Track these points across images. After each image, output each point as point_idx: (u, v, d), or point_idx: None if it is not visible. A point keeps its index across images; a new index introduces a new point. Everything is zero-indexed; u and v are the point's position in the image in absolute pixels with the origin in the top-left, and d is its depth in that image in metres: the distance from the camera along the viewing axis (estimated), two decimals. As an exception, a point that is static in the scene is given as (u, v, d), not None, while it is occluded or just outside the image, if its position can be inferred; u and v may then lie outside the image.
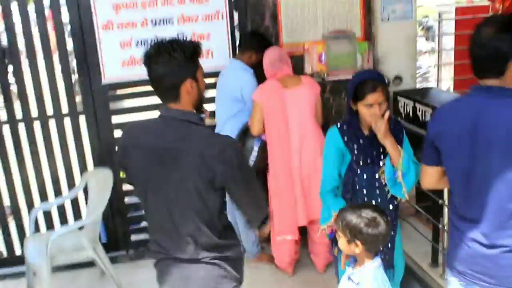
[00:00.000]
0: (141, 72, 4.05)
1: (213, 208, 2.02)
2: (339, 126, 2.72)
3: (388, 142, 2.55)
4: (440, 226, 3.45)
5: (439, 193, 3.37)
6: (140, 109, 4.36)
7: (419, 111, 3.67)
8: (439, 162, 2.12)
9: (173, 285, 2.11)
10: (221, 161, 1.92)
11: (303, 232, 3.94)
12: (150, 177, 2.03)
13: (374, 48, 4.20)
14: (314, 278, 3.92)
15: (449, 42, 5.46)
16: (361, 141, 2.66)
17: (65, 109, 4.25)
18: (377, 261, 2.19)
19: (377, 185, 2.69)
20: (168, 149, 1.97)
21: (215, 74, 4.11)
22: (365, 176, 2.69)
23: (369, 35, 4.22)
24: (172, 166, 1.96)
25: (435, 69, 5.87)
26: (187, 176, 1.94)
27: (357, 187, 2.70)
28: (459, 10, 5.12)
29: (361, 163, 2.67)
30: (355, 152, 2.67)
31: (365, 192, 2.70)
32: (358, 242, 2.13)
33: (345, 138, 2.68)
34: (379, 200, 2.70)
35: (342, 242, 2.20)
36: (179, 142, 1.97)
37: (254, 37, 3.98)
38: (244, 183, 2.05)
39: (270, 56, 3.76)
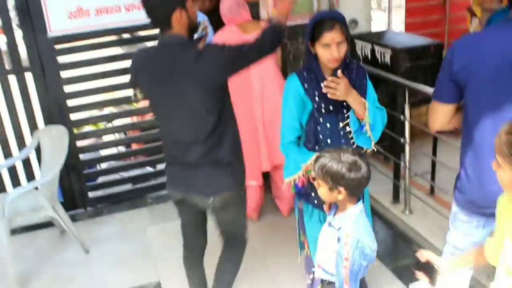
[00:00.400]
0: (90, 24, 4.02)
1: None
2: (298, 72, 2.52)
3: (350, 98, 2.38)
4: (402, 164, 3.55)
5: (401, 132, 3.45)
6: (90, 62, 4.18)
7: (378, 53, 3.71)
8: (458, 99, 2.08)
9: None
10: (212, 66, 2.26)
11: (266, 177, 3.96)
12: (156, 96, 2.40)
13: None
14: (279, 223, 3.97)
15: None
16: (322, 87, 2.42)
17: (8, 65, 4.02)
18: (360, 205, 2.11)
19: (341, 134, 2.51)
20: (165, 70, 2.29)
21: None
22: (328, 125, 2.49)
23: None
24: (172, 84, 2.30)
25: (384, 12, 5.92)
26: (186, 92, 2.28)
27: (321, 137, 2.50)
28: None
29: (323, 111, 2.47)
30: (316, 99, 2.46)
31: (329, 142, 2.50)
32: (341, 189, 2.02)
33: (305, 85, 2.47)
34: None
35: (323, 190, 2.08)
36: (174, 63, 2.27)
37: None
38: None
39: (226, 2, 3.67)
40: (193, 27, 2.38)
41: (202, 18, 3.74)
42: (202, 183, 2.48)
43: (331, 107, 2.47)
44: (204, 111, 2.32)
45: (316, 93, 2.46)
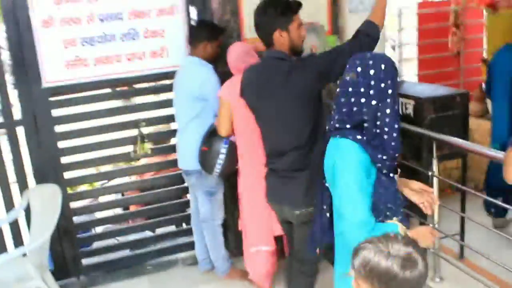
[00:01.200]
0: (89, 74, 3.76)
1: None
2: (358, 138, 2.00)
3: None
4: (430, 225, 3.20)
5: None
6: (87, 116, 3.87)
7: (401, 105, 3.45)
8: None
9: None
10: (303, 77, 2.51)
11: (280, 242, 3.58)
12: (258, 108, 2.77)
13: (341, 41, 3.93)
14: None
15: (411, 36, 5.33)
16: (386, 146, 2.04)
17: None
18: None
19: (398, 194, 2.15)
20: (264, 83, 2.66)
21: (172, 75, 3.72)
22: (393, 188, 2.10)
23: (337, 28, 3.96)
24: (269, 96, 2.62)
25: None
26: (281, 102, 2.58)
27: (388, 205, 2.07)
28: (421, 4, 5.00)
29: (391, 174, 2.06)
30: (385, 161, 2.04)
31: (393, 207, 2.08)
32: None
33: (369, 151, 2.01)
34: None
35: None
36: (270, 75, 2.63)
37: (203, 26, 3.60)
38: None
39: (235, 49, 3.42)
40: (295, 48, 2.68)
41: (207, 66, 3.50)
42: (292, 193, 2.69)
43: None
44: (298, 121, 2.58)
45: (381, 155, 2.03)
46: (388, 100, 1.95)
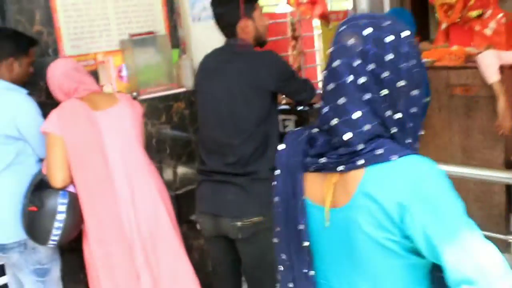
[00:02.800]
0: None
1: None
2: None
3: None
4: None
5: None
6: None
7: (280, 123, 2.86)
8: None
9: None
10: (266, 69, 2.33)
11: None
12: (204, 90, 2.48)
13: (186, 56, 3.23)
14: None
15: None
16: None
17: None
18: None
19: None
20: (220, 66, 2.41)
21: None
22: None
23: (177, 40, 3.24)
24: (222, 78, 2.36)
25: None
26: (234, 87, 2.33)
27: None
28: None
29: None
30: None
31: None
32: None
33: None
34: None
35: None
36: (230, 59, 2.39)
37: (4, 37, 2.54)
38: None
39: (59, 67, 2.49)
40: (261, 37, 2.46)
41: (19, 91, 2.49)
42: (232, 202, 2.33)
43: None
44: (252, 113, 2.31)
45: None
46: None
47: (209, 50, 3.29)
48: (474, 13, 4.03)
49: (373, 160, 1.09)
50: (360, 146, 1.10)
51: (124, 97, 2.60)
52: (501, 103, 3.28)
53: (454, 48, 3.99)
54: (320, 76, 4.72)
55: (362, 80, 1.11)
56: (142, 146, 2.55)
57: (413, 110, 1.14)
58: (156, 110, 2.97)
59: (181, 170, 3.11)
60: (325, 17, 4.30)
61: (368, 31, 1.12)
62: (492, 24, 3.97)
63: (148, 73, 3.02)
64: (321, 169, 1.17)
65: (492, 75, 3.31)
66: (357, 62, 1.11)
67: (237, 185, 2.33)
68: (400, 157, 1.08)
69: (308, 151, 1.20)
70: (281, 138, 1.33)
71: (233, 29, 2.38)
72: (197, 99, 2.59)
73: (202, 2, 3.26)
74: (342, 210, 1.14)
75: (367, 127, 1.10)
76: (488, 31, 3.99)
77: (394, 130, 1.13)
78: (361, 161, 1.10)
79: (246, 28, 2.37)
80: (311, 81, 2.64)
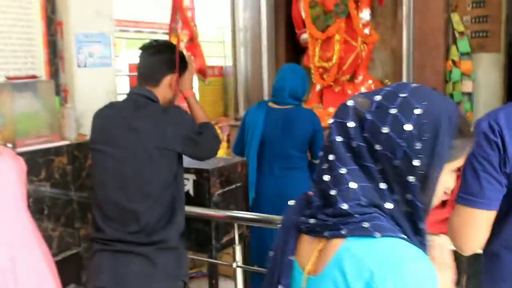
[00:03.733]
0: None
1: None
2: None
3: None
4: None
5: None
6: None
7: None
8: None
9: None
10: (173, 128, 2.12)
11: None
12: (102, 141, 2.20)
13: (70, 105, 2.91)
14: None
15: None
16: None
17: None
18: None
19: None
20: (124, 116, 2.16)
21: None
22: None
23: (58, 87, 2.91)
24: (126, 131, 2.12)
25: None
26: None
27: None
28: (132, 67, 4.30)
29: None
30: None
31: None
32: None
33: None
34: None
35: None
36: (135, 110, 2.15)
37: None
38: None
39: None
40: (172, 99, 2.29)
41: None
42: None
43: None
44: (156, 177, 2.10)
45: None
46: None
47: (94, 99, 3.04)
48: (346, 77, 4.28)
49: (356, 232, 0.98)
50: (348, 211, 0.99)
51: (6, 149, 2.22)
52: None
53: (330, 109, 4.17)
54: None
55: (354, 143, 1.02)
56: (26, 207, 2.19)
57: (409, 197, 1.01)
58: (35, 165, 2.58)
59: (60, 233, 2.73)
60: (202, 72, 4.24)
61: (377, 97, 1.04)
62: (363, 89, 4.24)
63: (26, 122, 2.63)
64: (310, 231, 1.06)
65: None
66: (352, 124, 1.03)
67: (142, 256, 2.09)
68: (384, 236, 0.97)
69: (304, 210, 1.09)
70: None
71: (155, 81, 2.21)
72: (93, 157, 2.29)
73: (89, 47, 2.99)
74: (316, 279, 1.02)
75: (359, 194, 1.00)
76: (359, 95, 4.25)
77: (389, 206, 1.05)
78: (345, 230, 0.99)
79: (171, 85, 2.23)
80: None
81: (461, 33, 4.24)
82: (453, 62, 4.23)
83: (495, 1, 4.17)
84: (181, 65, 2.27)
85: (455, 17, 4.25)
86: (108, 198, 2.15)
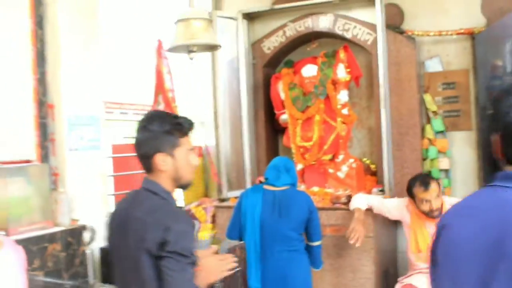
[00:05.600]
0: None
1: None
2: None
3: None
4: None
5: None
6: None
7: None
8: None
9: None
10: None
11: None
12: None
13: (63, 190, 2.81)
14: None
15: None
16: None
17: None
18: None
19: None
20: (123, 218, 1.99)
21: None
22: None
23: (50, 170, 2.82)
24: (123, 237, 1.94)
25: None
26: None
27: None
28: (115, 148, 4.20)
29: None
30: None
31: None
32: None
33: None
34: None
35: None
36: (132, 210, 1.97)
37: None
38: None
39: None
40: (180, 180, 2.05)
41: None
42: None
43: None
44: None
45: None
46: None
47: (85, 183, 2.95)
48: (327, 157, 4.33)
49: None
50: None
51: (6, 240, 2.09)
52: (356, 214, 3.48)
53: (315, 189, 4.18)
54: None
55: None
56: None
57: None
58: (28, 253, 2.41)
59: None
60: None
61: None
62: (344, 168, 4.30)
63: (19, 208, 2.51)
64: None
65: (356, 204, 3.57)
66: None
67: None
68: None
69: None
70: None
71: (148, 162, 2.02)
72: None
73: (80, 130, 2.93)
74: None
75: None
76: (341, 174, 4.30)
77: None
78: None
79: (162, 166, 1.99)
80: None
81: (435, 113, 4.42)
82: (429, 140, 4.38)
83: (463, 82, 4.41)
84: None
85: (427, 98, 4.44)
86: None
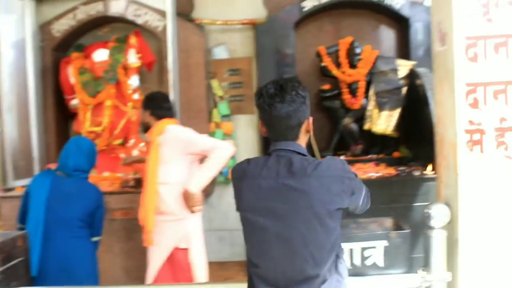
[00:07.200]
0: None
1: None
2: None
3: None
4: None
5: None
6: None
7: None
8: None
9: None
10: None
11: None
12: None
13: None
14: None
15: None
16: None
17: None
18: None
19: None
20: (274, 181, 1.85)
21: None
22: None
23: None
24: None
25: None
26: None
27: None
28: None
29: None
30: None
31: None
32: None
33: None
34: None
35: None
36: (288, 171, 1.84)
37: None
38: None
39: None
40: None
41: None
42: None
43: None
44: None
45: None
46: None
47: None
48: (119, 141, 4.40)
49: None
50: None
51: None
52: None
53: (106, 174, 4.23)
54: None
55: None
56: None
57: None
58: None
59: None
60: None
61: None
62: (135, 152, 4.42)
63: None
64: None
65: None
66: None
67: None
68: None
69: None
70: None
71: (297, 131, 1.89)
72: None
73: None
74: None
75: None
76: (131, 158, 4.41)
77: None
78: None
79: (307, 131, 1.92)
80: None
81: (221, 97, 4.74)
82: (216, 123, 4.70)
83: (247, 69, 4.79)
84: None
85: (214, 83, 4.74)
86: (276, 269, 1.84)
